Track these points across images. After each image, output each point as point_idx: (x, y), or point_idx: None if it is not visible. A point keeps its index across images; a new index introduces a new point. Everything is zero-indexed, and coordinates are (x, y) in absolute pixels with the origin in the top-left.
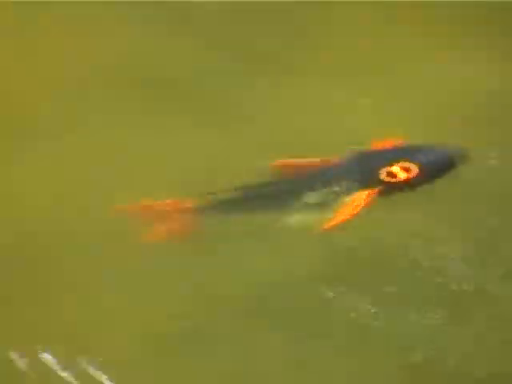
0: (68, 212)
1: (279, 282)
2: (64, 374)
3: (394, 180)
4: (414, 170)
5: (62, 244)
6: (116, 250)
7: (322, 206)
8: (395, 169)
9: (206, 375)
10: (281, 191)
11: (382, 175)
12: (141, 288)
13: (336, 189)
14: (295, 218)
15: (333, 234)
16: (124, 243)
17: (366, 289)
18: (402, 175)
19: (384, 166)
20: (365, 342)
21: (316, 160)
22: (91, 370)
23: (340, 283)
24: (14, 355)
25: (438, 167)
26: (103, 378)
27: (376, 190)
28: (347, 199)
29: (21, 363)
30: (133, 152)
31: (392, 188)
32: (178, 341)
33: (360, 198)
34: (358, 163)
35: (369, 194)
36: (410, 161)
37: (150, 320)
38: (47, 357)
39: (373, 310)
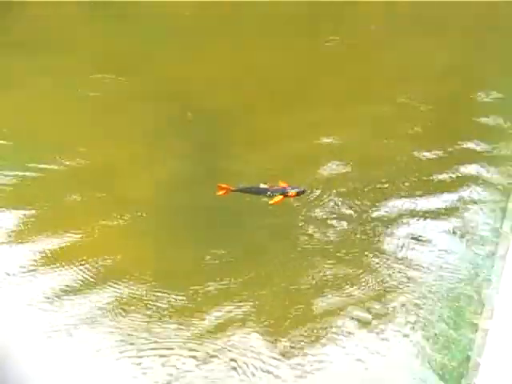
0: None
1: None
2: None
3: (291, 194)
4: (295, 193)
5: None
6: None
7: (272, 197)
8: (293, 191)
9: None
10: (263, 190)
11: (290, 193)
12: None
13: (275, 193)
14: (265, 199)
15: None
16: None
17: None
18: (294, 193)
19: (291, 189)
20: None
21: (278, 184)
22: None
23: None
24: None
25: (301, 193)
26: None
27: (284, 196)
28: (277, 197)
29: None
30: None
31: (289, 197)
32: None
33: (281, 197)
34: (282, 188)
35: (283, 196)
36: (293, 189)
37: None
38: None
39: None
